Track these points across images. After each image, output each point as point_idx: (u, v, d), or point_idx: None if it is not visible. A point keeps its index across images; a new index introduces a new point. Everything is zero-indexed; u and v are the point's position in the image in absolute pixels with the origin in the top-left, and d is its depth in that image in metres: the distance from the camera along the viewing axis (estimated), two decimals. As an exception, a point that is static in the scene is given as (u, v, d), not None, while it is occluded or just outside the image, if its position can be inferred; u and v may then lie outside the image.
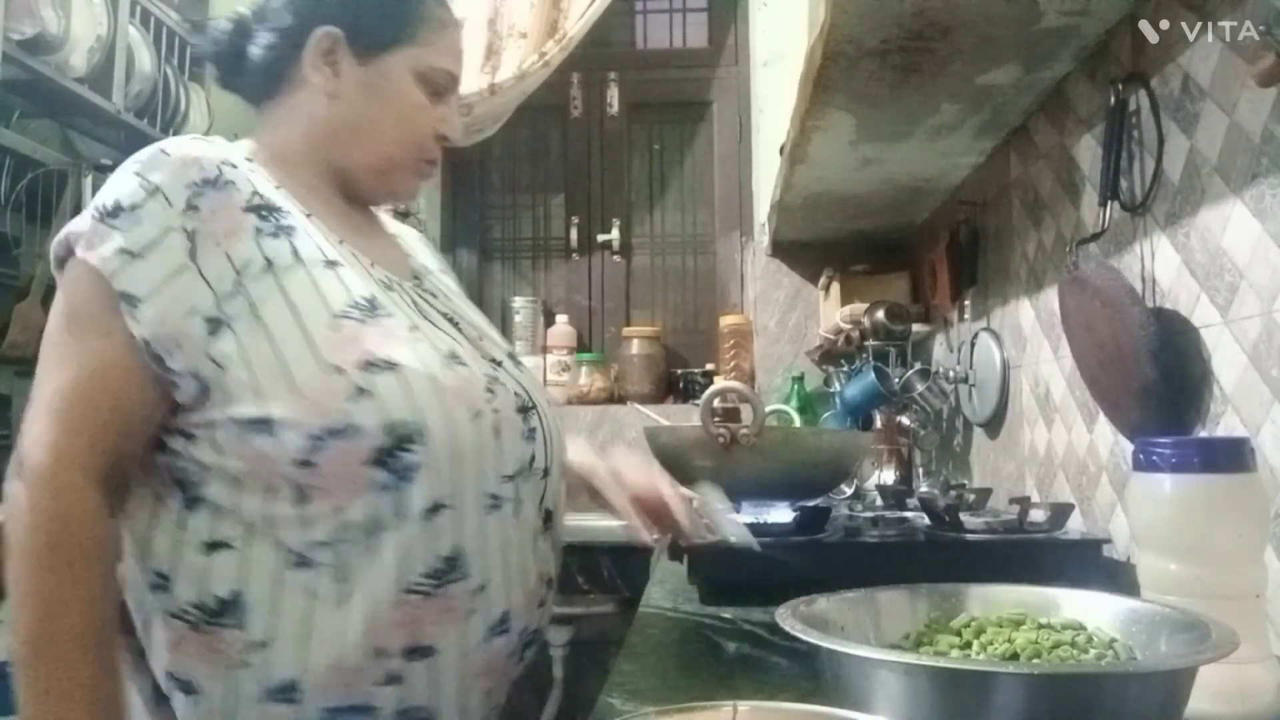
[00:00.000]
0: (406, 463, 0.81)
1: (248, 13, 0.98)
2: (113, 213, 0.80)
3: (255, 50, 0.97)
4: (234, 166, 0.87)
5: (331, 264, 0.87)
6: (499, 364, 0.97)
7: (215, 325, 0.80)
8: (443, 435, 0.83)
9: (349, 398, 0.80)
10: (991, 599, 0.77)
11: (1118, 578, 1.12)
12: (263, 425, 0.79)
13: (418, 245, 1.13)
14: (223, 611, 0.80)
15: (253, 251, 0.83)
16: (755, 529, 1.29)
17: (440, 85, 0.98)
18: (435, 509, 0.82)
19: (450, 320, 0.98)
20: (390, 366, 0.82)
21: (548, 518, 0.96)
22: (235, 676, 0.79)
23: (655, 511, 1.03)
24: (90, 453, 0.79)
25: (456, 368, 0.88)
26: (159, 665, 0.82)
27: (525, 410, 0.94)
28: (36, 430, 0.80)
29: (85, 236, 0.81)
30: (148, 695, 0.84)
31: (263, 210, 0.86)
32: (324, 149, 0.96)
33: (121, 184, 0.82)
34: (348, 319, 0.83)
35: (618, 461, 1.06)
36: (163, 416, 0.82)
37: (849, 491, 1.97)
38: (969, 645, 0.70)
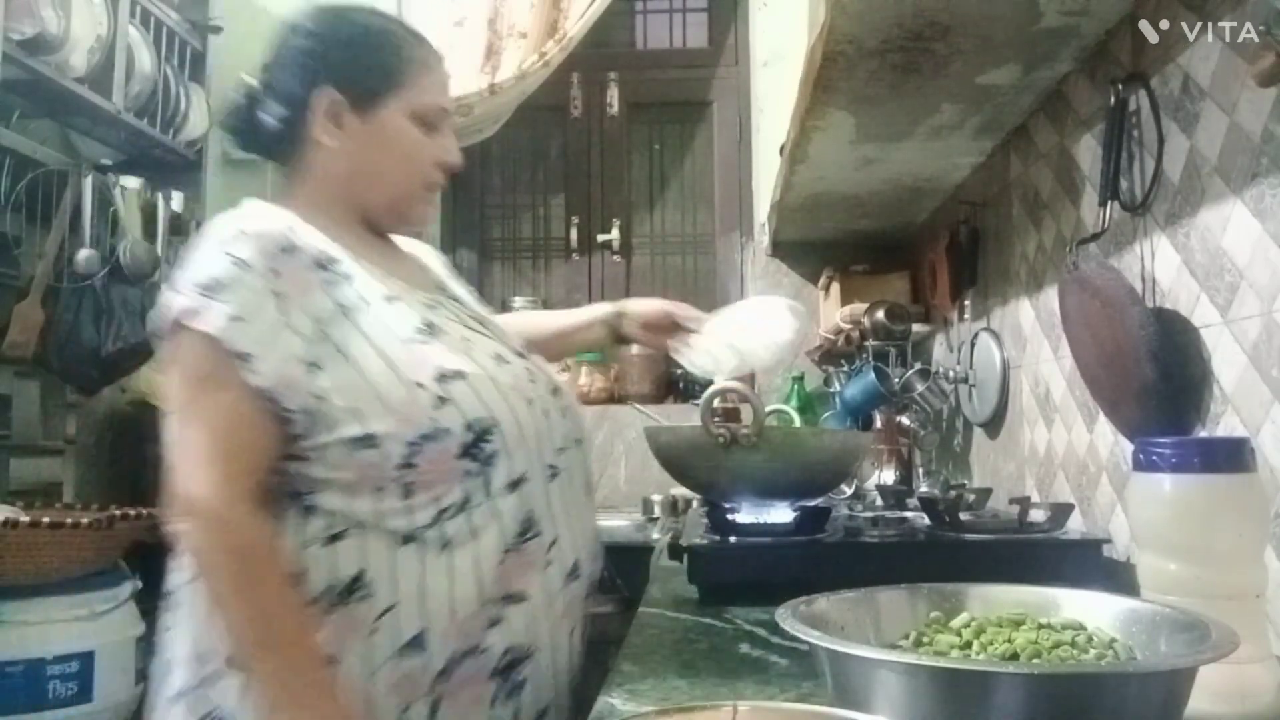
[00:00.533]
0: (488, 451, 0.96)
1: (257, 84, 1.10)
2: (212, 288, 0.92)
3: (268, 119, 1.08)
4: (294, 231, 0.98)
5: (389, 299, 1.00)
6: (522, 356, 1.10)
7: (310, 367, 0.93)
8: (511, 424, 0.98)
9: (434, 407, 0.94)
10: (991, 599, 0.77)
11: (1118, 578, 1.12)
12: (368, 441, 0.93)
13: (431, 258, 1.25)
14: (352, 589, 0.92)
15: (325, 301, 0.96)
16: (755, 529, 1.29)
17: (433, 119, 1.09)
18: (513, 484, 0.98)
19: (480, 323, 1.11)
20: (460, 375, 0.96)
21: (588, 484, 1.13)
22: (371, 641, 0.92)
23: (666, 326, 1.33)
24: (246, 484, 0.92)
25: (504, 366, 1.03)
26: None
27: (555, 391, 1.09)
28: (198, 476, 0.91)
29: (190, 310, 0.92)
30: None
31: (325, 264, 0.98)
32: (344, 196, 1.07)
33: (213, 262, 0.94)
34: (414, 342, 0.97)
35: (630, 305, 1.35)
36: (281, 446, 0.94)
37: (849, 491, 1.97)
38: (969, 645, 0.70)
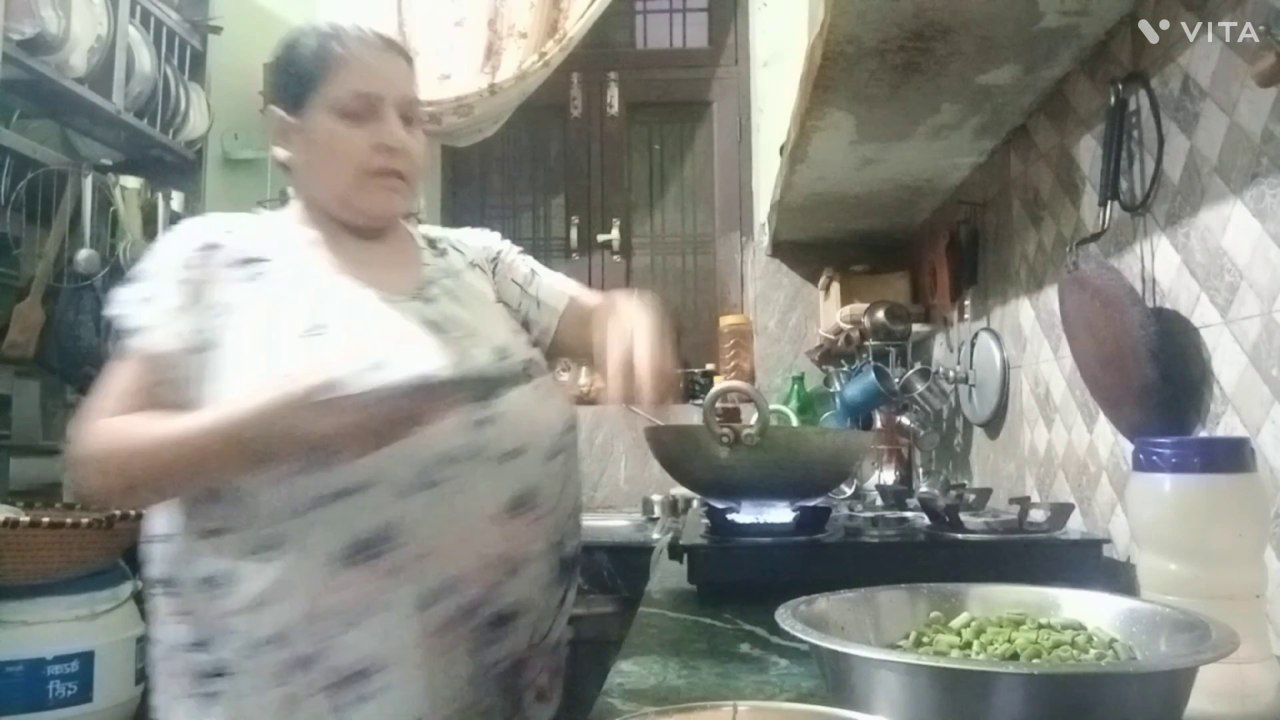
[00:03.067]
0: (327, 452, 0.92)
1: None
2: (134, 278, 1.04)
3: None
4: (229, 234, 1.07)
5: (290, 300, 1.03)
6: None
7: (198, 349, 1.00)
8: None
9: None
10: (991, 599, 0.77)
11: (1118, 578, 1.12)
12: None
13: (458, 249, 1.24)
14: (210, 585, 0.98)
15: (222, 297, 1.02)
16: (755, 529, 1.29)
17: (356, 108, 1.09)
18: (351, 491, 0.95)
19: (434, 324, 1.08)
20: None
21: (510, 503, 1.04)
22: (230, 635, 0.97)
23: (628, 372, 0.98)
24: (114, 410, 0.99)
25: (377, 373, 0.96)
26: (184, 615, 1.00)
27: (481, 400, 1.02)
28: (83, 428, 0.98)
29: (116, 302, 1.03)
30: (178, 640, 1.01)
31: (244, 262, 1.05)
32: (310, 199, 1.14)
33: (144, 261, 1.06)
34: (302, 339, 0.99)
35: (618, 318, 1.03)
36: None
37: (849, 491, 1.97)
38: (969, 645, 0.69)
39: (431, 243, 1.22)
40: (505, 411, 1.04)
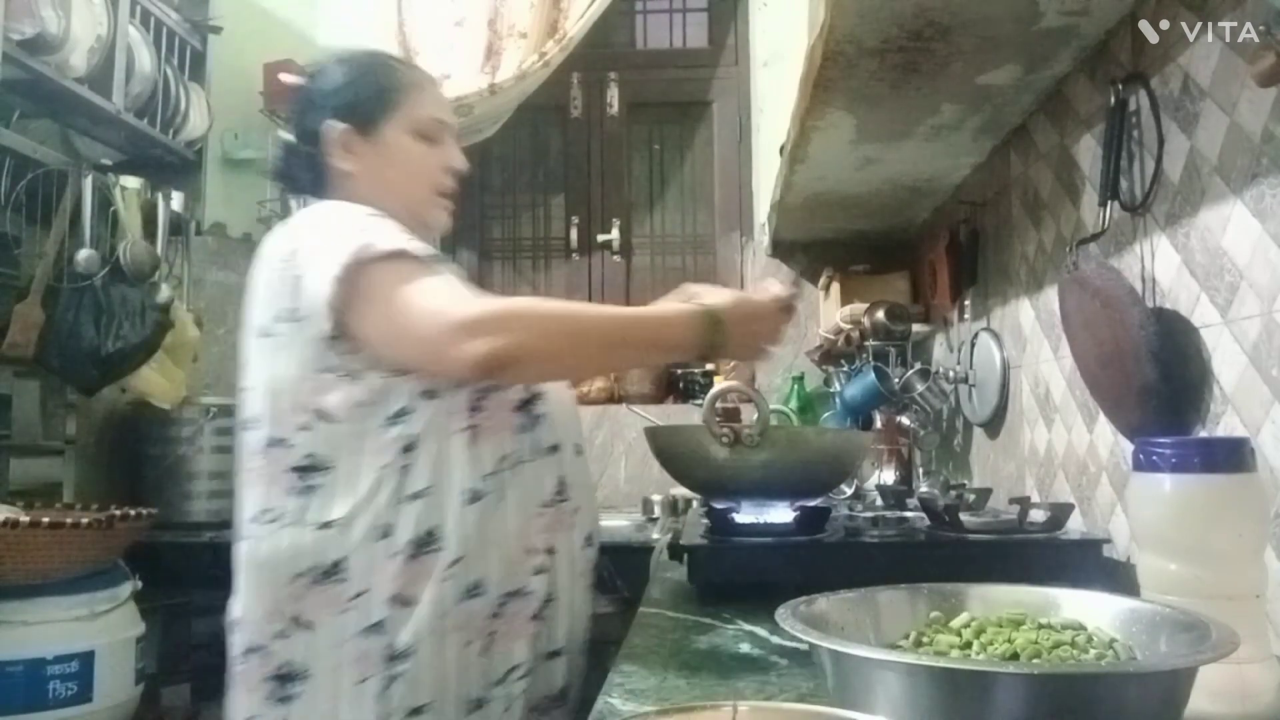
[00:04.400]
0: (536, 413, 1.12)
1: (291, 137, 1.27)
2: (371, 229, 1.07)
3: (301, 159, 1.24)
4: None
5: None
6: None
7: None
8: (553, 396, 1.15)
9: None
10: (991, 599, 0.77)
11: (1118, 578, 1.12)
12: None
13: None
14: (427, 542, 1.05)
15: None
16: (755, 529, 1.29)
17: (433, 132, 1.24)
18: (551, 448, 1.13)
19: None
20: None
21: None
22: (443, 588, 1.05)
23: None
24: None
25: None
26: (383, 595, 1.04)
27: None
28: (460, 306, 1.03)
29: (363, 248, 1.03)
30: (358, 626, 1.04)
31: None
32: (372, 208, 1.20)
33: (354, 220, 1.09)
34: None
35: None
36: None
37: (849, 491, 1.97)
38: (969, 645, 0.69)
39: None
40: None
